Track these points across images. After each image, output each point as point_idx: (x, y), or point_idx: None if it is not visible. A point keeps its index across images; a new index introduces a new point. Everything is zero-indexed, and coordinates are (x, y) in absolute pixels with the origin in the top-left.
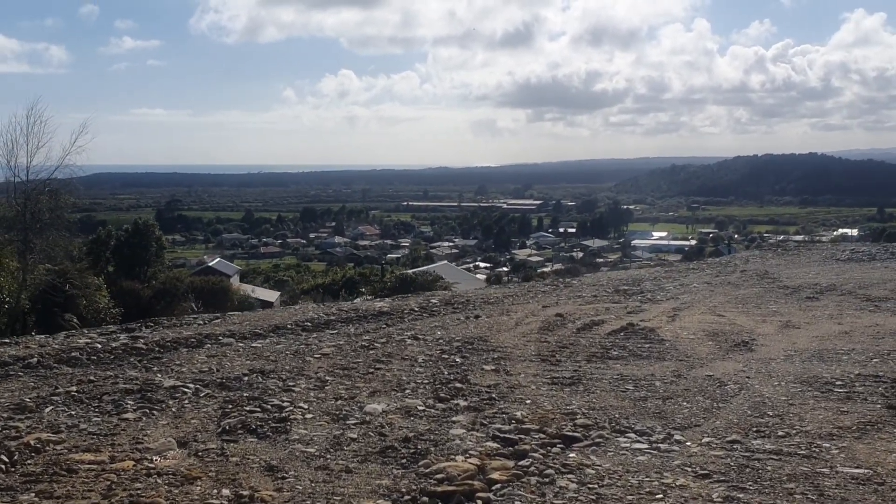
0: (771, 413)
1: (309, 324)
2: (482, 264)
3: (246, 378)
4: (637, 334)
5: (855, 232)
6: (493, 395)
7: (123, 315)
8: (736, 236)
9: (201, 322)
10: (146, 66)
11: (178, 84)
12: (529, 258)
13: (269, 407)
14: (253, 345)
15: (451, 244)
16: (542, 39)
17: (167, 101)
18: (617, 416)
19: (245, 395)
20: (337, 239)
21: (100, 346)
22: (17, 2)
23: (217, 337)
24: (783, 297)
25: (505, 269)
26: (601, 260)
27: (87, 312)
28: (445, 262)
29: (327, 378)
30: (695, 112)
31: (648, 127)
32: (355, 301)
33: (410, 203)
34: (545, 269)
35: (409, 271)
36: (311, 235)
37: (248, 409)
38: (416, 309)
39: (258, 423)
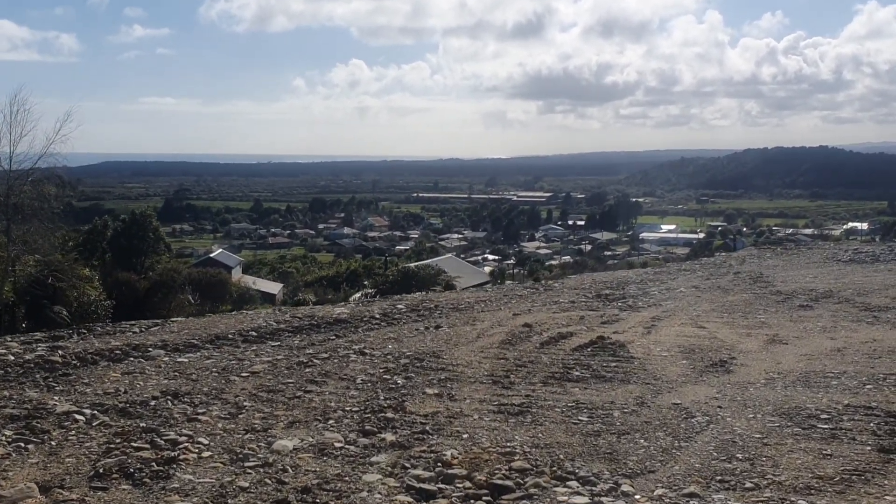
0: (741, 456)
1: (253, 333)
2: (490, 257)
3: (153, 402)
4: (605, 350)
5: (865, 225)
6: (428, 428)
7: (118, 307)
8: (745, 230)
9: (138, 330)
10: (156, 55)
11: (188, 73)
12: (538, 251)
13: (162, 442)
14: (180, 359)
15: (460, 236)
16: (553, 31)
17: (177, 89)
18: (562, 456)
19: (142, 425)
20: (346, 230)
21: (13, 357)
22: None
23: (146, 348)
24: (774, 304)
25: (510, 262)
26: (609, 253)
27: (77, 305)
28: (450, 255)
29: (245, 404)
30: (705, 105)
31: (659, 119)
32: (314, 308)
33: (420, 194)
34: (553, 262)
35: (412, 265)
36: (320, 226)
37: (136, 444)
38: (377, 316)
39: (140, 464)
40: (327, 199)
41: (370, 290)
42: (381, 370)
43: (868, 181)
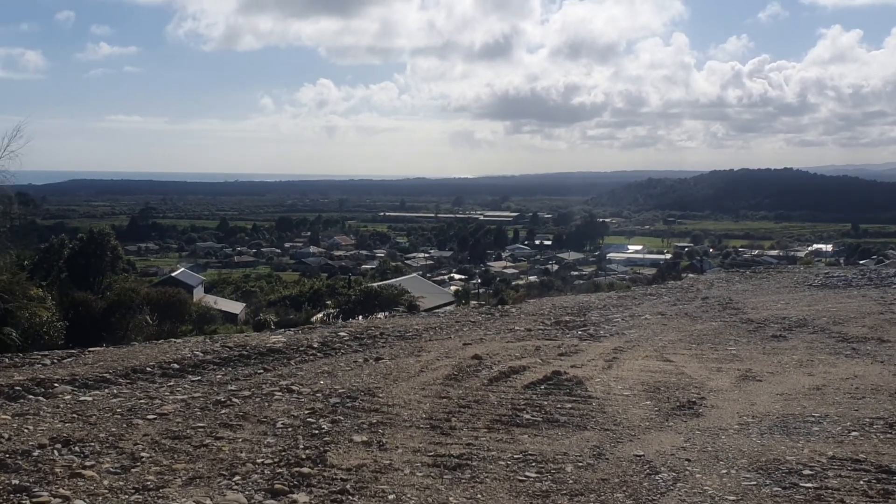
0: None
1: (175, 366)
2: (457, 276)
3: (37, 452)
4: (561, 388)
5: (830, 247)
6: (349, 486)
7: (75, 327)
8: (711, 251)
9: (49, 362)
10: (123, 73)
11: (155, 91)
12: (504, 270)
13: None
14: (83, 398)
15: (426, 255)
16: (520, 52)
17: (144, 108)
18: None
19: (14, 482)
20: (312, 249)
21: None
22: None
23: (51, 384)
24: (745, 334)
25: (476, 281)
26: (576, 273)
27: (28, 326)
28: (415, 274)
29: (143, 454)
30: (672, 126)
31: (626, 141)
32: (249, 335)
33: (387, 213)
34: (520, 282)
35: (375, 285)
36: (287, 245)
37: None
38: (315, 346)
39: None
40: (294, 218)
41: (332, 311)
42: (306, 411)
43: (832, 203)
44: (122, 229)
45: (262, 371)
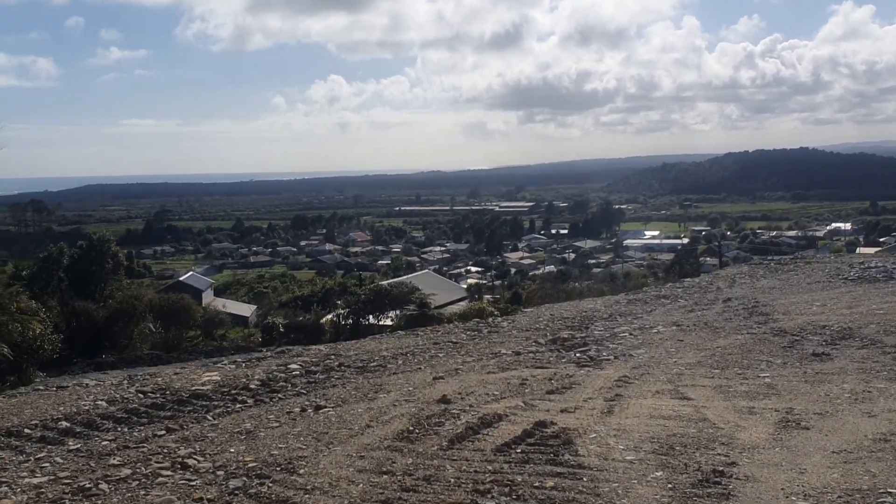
0: None
1: (63, 424)
2: (473, 269)
3: None
4: (543, 450)
5: (849, 226)
6: None
7: (77, 338)
8: (729, 233)
9: None
10: (134, 77)
11: (167, 94)
12: (521, 261)
13: None
14: None
15: (442, 249)
16: (530, 40)
17: (156, 111)
18: None
19: None
20: (328, 246)
21: None
22: (1, 16)
23: None
24: (779, 351)
25: (491, 273)
26: (593, 261)
27: (21, 340)
28: (427, 270)
29: None
30: (685, 110)
31: (639, 126)
32: (176, 374)
33: (403, 208)
34: (537, 272)
35: (385, 283)
36: (302, 243)
37: None
38: (253, 386)
39: None
40: (309, 216)
41: (342, 311)
42: None
43: (849, 181)
44: (137, 233)
45: (163, 432)
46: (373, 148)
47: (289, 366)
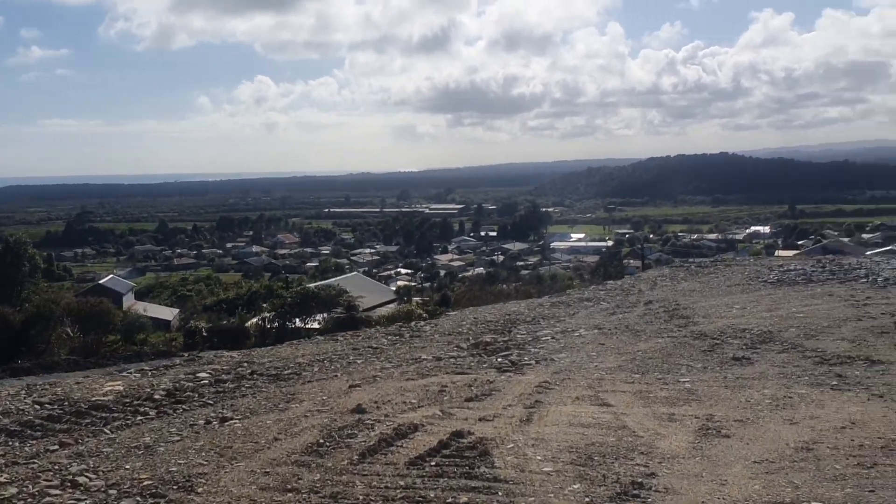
0: None
1: None
2: (403, 270)
3: None
4: (459, 463)
5: (767, 229)
6: None
7: None
8: (651, 236)
9: None
10: (55, 76)
11: (90, 94)
12: (451, 263)
13: None
14: None
15: (372, 251)
16: (458, 44)
17: (79, 111)
18: None
19: None
20: (254, 248)
21: None
22: None
23: None
24: (700, 355)
25: (421, 276)
26: (521, 263)
27: None
28: (356, 272)
29: None
30: (609, 115)
31: (565, 131)
32: (77, 384)
33: (332, 210)
34: (466, 274)
35: (312, 285)
36: (228, 245)
37: None
38: (158, 396)
39: None
40: (235, 218)
41: (268, 314)
42: None
43: (768, 186)
44: (58, 235)
45: (56, 447)
46: (301, 149)
47: (198, 374)
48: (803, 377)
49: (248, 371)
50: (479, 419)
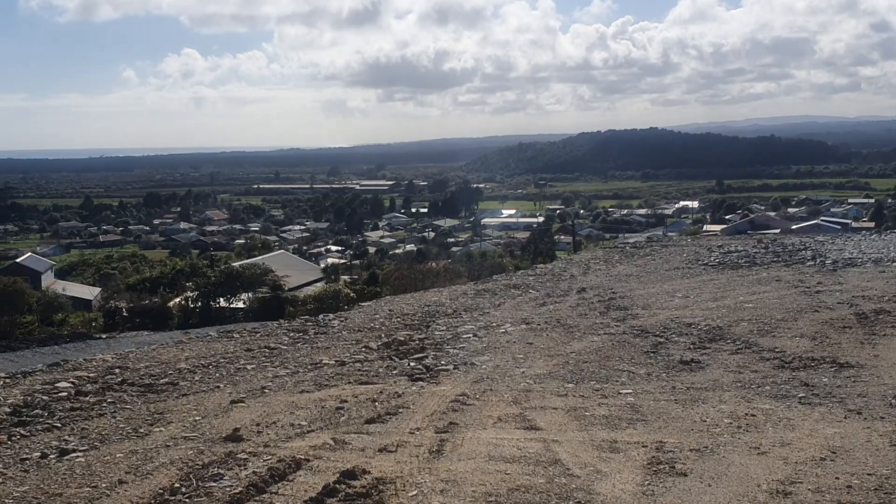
0: None
1: None
2: (333, 248)
3: None
4: None
5: (696, 204)
6: None
7: None
8: (582, 212)
9: None
10: None
11: (11, 66)
12: (382, 240)
13: None
14: None
15: (302, 228)
16: (389, 18)
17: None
18: None
19: None
20: (182, 225)
21: None
22: None
23: None
24: (642, 358)
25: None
26: (452, 239)
27: None
28: (283, 251)
29: None
30: (540, 90)
31: (496, 106)
32: None
33: (261, 186)
34: (397, 251)
35: (237, 264)
36: (156, 222)
37: None
38: (3, 415)
39: None
40: (163, 194)
41: (192, 294)
42: None
43: (696, 161)
44: None
45: None
46: (229, 124)
47: (58, 383)
48: (764, 386)
49: (118, 380)
50: (379, 450)
